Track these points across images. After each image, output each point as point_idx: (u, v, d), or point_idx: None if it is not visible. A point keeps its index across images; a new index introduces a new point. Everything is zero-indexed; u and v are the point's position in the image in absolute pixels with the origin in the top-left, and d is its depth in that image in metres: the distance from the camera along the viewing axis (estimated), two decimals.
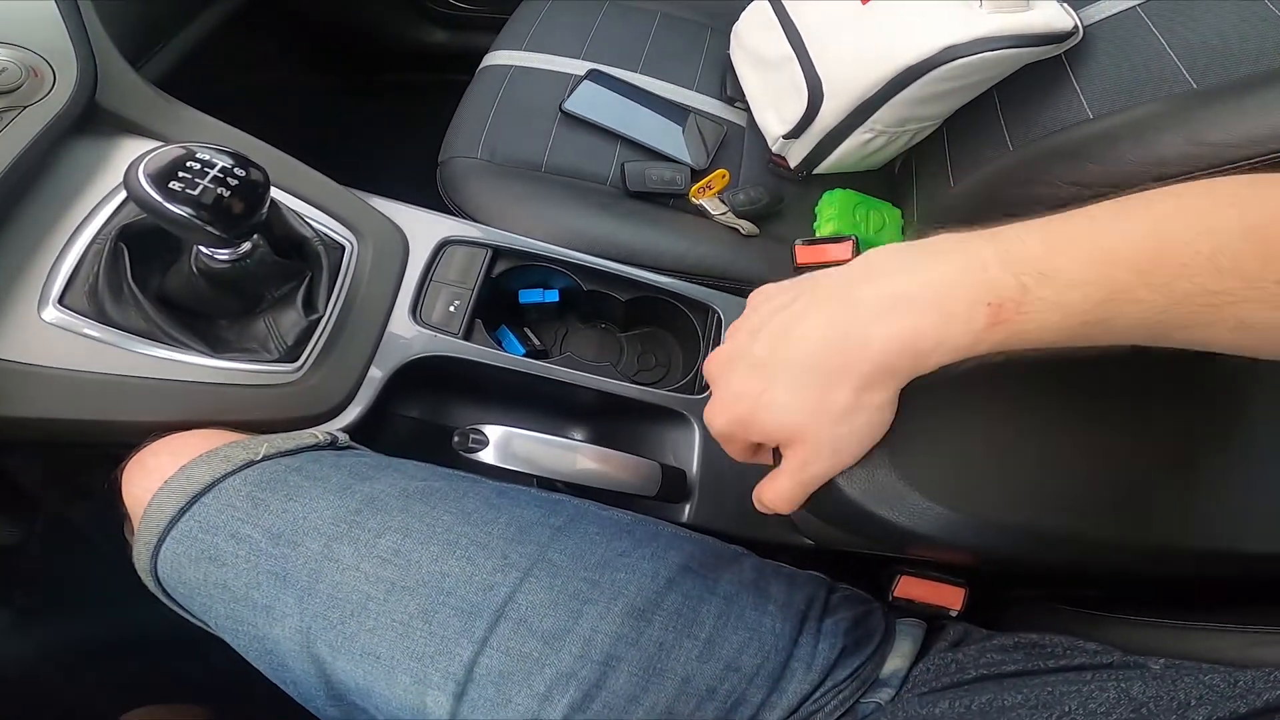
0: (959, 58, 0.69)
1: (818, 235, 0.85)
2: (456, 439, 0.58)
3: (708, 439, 0.68)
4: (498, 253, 0.68)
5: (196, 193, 0.41)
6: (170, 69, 0.88)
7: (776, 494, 0.38)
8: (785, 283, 0.38)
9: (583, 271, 0.71)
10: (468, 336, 0.64)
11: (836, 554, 0.68)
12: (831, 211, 0.86)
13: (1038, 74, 0.72)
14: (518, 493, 0.53)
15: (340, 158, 0.74)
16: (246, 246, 0.50)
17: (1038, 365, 0.35)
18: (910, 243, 0.34)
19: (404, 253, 0.64)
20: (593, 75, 0.90)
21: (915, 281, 0.31)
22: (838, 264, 0.66)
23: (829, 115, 0.80)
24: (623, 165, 0.84)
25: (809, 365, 0.34)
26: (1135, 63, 0.64)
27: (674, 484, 0.65)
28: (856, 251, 0.66)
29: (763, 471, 0.40)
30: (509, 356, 0.64)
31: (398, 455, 0.59)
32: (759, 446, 0.41)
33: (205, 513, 0.47)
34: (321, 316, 0.57)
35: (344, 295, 0.60)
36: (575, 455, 0.60)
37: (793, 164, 0.88)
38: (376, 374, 0.61)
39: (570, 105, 0.86)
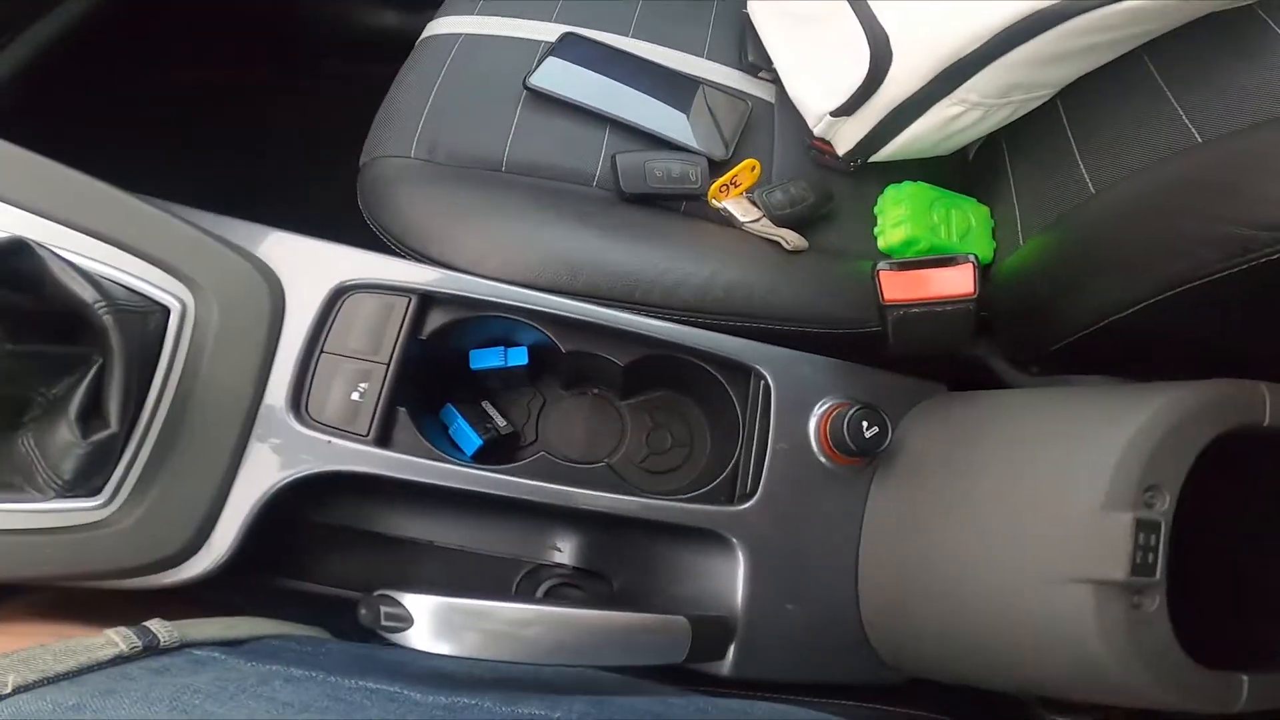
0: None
1: (894, 246, 0.65)
2: (363, 612, 0.37)
3: (756, 563, 0.47)
4: (427, 300, 0.46)
5: None
6: (27, 63, 0.70)
7: None
8: None
9: (557, 324, 0.49)
10: (384, 436, 0.43)
11: (940, 685, 0.53)
12: (901, 212, 0.65)
13: (1224, 29, 0.49)
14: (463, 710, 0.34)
15: (258, 170, 0.56)
16: None
17: None
18: None
19: (275, 310, 0.42)
20: (567, 40, 0.69)
21: None
22: (957, 299, 0.47)
23: (899, 83, 0.60)
24: (614, 158, 0.63)
25: None
26: None
27: (710, 639, 0.46)
28: (979, 277, 0.45)
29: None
30: (446, 466, 0.43)
31: (322, 572, 0.45)
32: None
33: None
34: (113, 431, 0.35)
35: (173, 386, 0.38)
36: (556, 627, 0.39)
37: (841, 151, 0.68)
38: (243, 501, 0.41)
39: (537, 80, 0.65)
